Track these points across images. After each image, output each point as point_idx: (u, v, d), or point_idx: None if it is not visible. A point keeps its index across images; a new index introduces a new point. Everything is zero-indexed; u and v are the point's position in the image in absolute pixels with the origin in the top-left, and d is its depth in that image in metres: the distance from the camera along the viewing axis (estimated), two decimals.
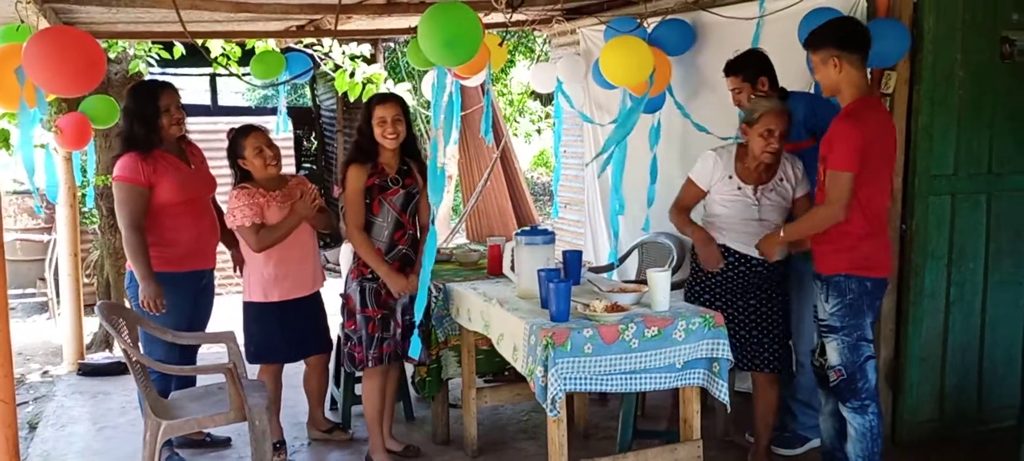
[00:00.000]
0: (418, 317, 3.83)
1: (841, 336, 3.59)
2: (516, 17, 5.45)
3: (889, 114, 3.94)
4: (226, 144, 4.31)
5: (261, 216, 4.17)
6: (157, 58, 7.28)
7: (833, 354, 3.63)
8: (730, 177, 3.94)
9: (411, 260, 4.13)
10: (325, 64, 7.15)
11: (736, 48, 4.35)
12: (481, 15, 3.70)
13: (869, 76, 4.15)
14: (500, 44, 5.54)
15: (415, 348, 3.92)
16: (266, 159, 4.22)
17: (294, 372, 4.64)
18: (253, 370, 4.39)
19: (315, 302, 4.46)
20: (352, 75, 7.05)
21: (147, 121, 4.19)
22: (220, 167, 4.44)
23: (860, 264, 3.53)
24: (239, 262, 4.44)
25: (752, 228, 3.92)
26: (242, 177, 4.27)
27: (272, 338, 4.31)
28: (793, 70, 4.15)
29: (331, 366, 4.80)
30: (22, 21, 4.23)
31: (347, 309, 4.18)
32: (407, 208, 4.11)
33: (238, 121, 4.92)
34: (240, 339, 4.21)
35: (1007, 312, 4.54)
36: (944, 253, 4.33)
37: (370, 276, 4.09)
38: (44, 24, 4.60)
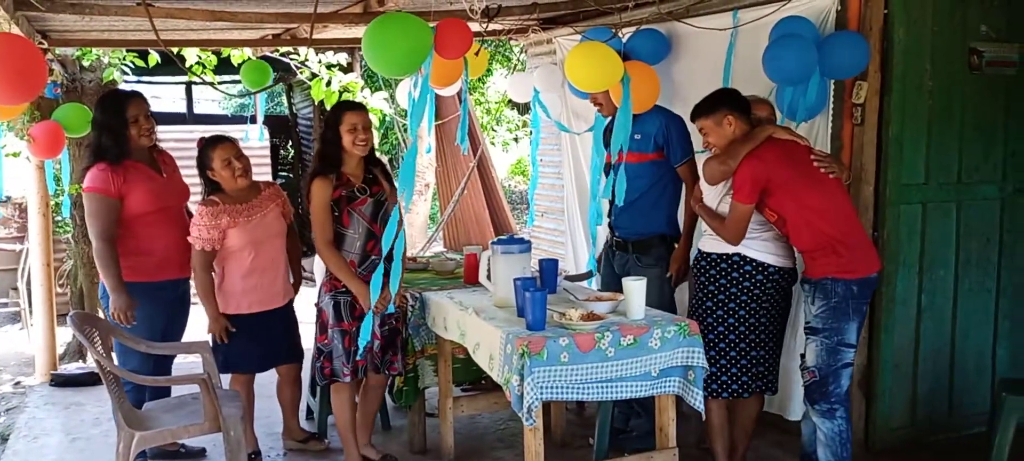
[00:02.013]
0: (372, 308, 3.82)
1: (821, 338, 3.67)
2: (492, 26, 5.47)
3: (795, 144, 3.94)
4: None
5: (220, 242, 4.13)
6: (132, 66, 7.23)
7: (810, 355, 3.72)
8: None
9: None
10: (301, 72, 7.13)
11: (708, 58, 4.37)
12: (434, 24, 3.66)
13: (832, 87, 4.26)
14: (476, 54, 5.54)
15: (365, 333, 3.88)
16: (235, 171, 4.17)
17: (270, 382, 4.61)
18: (227, 379, 4.36)
19: (286, 314, 4.42)
20: (329, 84, 7.03)
21: (115, 132, 4.15)
22: (195, 176, 4.39)
23: (845, 268, 3.62)
24: None
25: (769, 234, 3.84)
26: (211, 188, 4.23)
27: (240, 348, 4.26)
28: (764, 78, 4.20)
29: (306, 376, 4.78)
30: None
31: (320, 323, 4.14)
32: (377, 217, 4.05)
33: (214, 130, 4.90)
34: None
35: (977, 319, 4.60)
36: (915, 261, 4.39)
37: (343, 289, 4.04)
38: (16, 32, 4.56)
